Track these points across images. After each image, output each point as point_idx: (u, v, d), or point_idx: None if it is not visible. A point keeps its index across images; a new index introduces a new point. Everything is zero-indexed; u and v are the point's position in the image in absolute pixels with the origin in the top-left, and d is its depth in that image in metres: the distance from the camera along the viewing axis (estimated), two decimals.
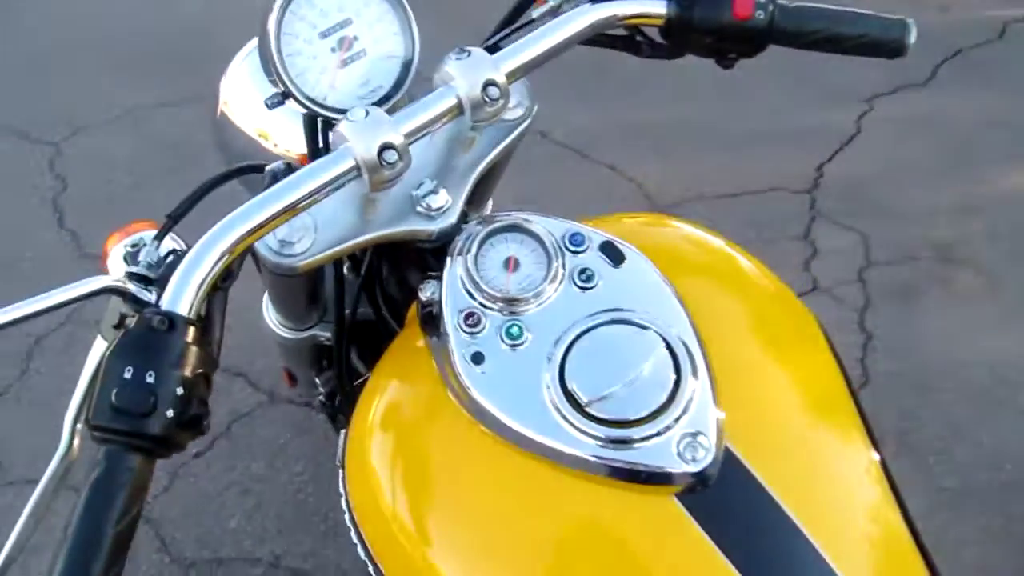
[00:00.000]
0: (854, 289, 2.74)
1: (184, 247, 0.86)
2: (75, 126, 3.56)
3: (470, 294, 0.89)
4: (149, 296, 0.78)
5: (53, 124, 3.56)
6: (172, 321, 0.72)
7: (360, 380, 1.23)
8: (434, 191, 0.97)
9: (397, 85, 0.95)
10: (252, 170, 1.00)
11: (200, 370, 0.72)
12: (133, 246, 0.88)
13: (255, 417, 2.41)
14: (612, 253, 0.91)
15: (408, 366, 0.99)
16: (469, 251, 0.91)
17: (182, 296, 0.75)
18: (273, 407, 2.45)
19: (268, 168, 0.96)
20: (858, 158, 3.24)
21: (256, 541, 2.14)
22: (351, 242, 0.95)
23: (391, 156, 0.82)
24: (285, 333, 1.43)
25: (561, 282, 0.89)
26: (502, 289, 0.89)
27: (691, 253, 1.06)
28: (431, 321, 0.94)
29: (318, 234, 0.94)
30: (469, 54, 0.89)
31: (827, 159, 3.22)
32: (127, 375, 0.68)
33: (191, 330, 0.73)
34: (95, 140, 3.50)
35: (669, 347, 0.84)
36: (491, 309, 0.88)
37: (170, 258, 0.83)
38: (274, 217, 0.80)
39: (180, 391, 0.69)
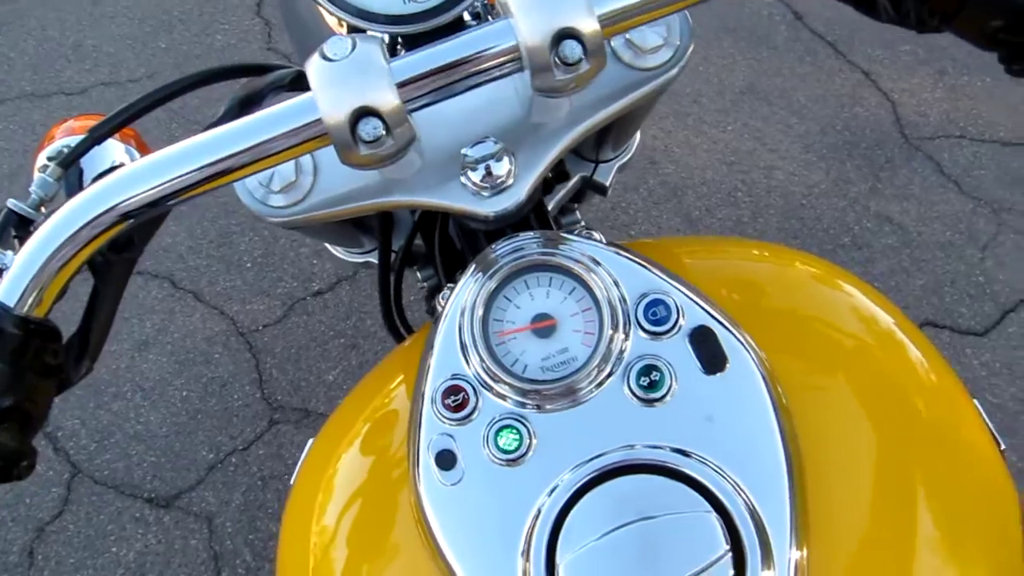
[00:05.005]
0: None
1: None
2: None
3: (465, 351, 0.61)
4: (2, 260, 0.55)
5: None
6: None
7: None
8: (495, 156, 0.67)
9: None
10: (242, 72, 0.72)
11: (14, 401, 0.50)
12: (50, 158, 0.66)
13: None
14: (710, 349, 0.59)
15: (395, 400, 0.74)
16: (491, 277, 0.63)
17: (21, 283, 0.52)
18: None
19: (266, 79, 0.69)
20: None
21: None
22: (359, 204, 0.69)
23: (371, 128, 0.53)
24: (338, 253, 1.20)
25: (611, 377, 0.59)
26: (517, 361, 0.60)
27: (833, 351, 0.70)
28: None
29: (317, 182, 0.69)
30: None
31: None
32: None
33: (16, 339, 0.51)
34: None
35: (737, 542, 0.53)
36: (491, 388, 0.60)
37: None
38: (195, 184, 0.54)
39: None
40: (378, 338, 2.13)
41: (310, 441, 0.80)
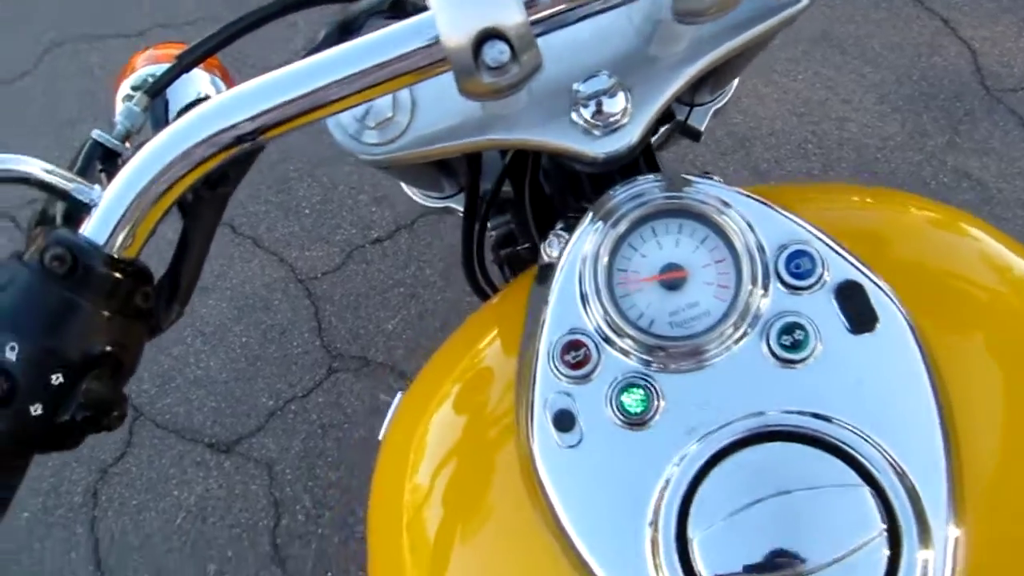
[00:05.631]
0: None
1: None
2: None
3: (586, 302, 0.56)
4: (89, 195, 0.52)
5: None
6: (76, 263, 0.47)
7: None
8: (609, 92, 0.61)
9: None
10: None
11: (109, 347, 0.47)
12: (134, 87, 0.62)
13: (445, 219, 2.21)
14: (858, 306, 0.54)
15: (489, 356, 0.70)
16: (615, 224, 0.57)
17: (111, 220, 0.49)
18: None
19: (362, 3, 0.64)
20: None
21: (407, 352, 2.02)
22: (459, 142, 0.63)
23: (496, 53, 0.48)
24: (418, 198, 1.15)
25: (746, 336, 0.54)
26: (643, 315, 0.56)
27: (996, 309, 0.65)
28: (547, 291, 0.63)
29: (414, 119, 0.64)
30: None
31: None
32: None
33: (108, 280, 0.48)
34: None
35: (892, 519, 0.49)
36: (613, 344, 0.55)
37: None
38: (293, 116, 0.50)
39: (59, 380, 0.45)
40: (437, 287, 2.10)
41: (398, 395, 0.76)
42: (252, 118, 0.50)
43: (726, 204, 0.57)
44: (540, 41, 0.51)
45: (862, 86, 2.43)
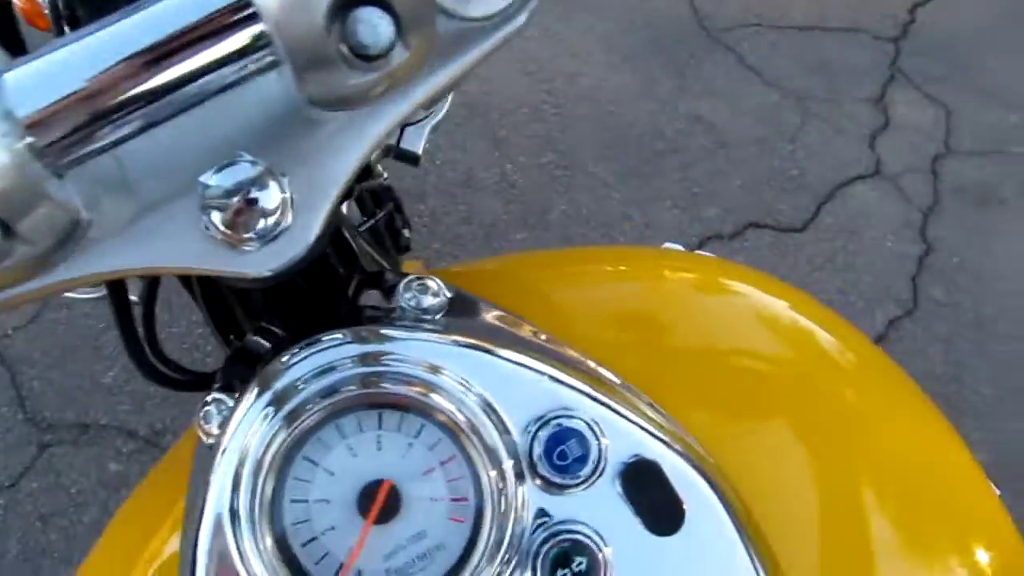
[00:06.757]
0: (922, 182, 2.19)
1: None
2: None
3: (239, 539, 0.37)
4: None
5: None
6: None
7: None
8: (258, 181, 0.37)
9: None
10: None
11: None
12: None
13: None
14: (654, 496, 0.38)
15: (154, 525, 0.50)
16: (287, 425, 0.38)
17: None
18: None
19: None
20: (964, 5, 2.57)
21: (135, 406, 1.72)
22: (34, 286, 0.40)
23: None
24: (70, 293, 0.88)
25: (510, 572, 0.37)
26: (340, 567, 0.37)
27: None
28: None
29: None
30: None
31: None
32: None
33: None
34: None
35: None
36: None
37: None
38: None
39: None
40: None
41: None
42: None
43: (437, 369, 0.39)
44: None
45: (589, 38, 2.36)
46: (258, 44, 0.31)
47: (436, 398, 0.38)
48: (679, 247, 0.65)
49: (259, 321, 0.51)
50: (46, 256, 0.29)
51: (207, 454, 0.41)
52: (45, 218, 0.28)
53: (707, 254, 0.65)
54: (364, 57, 0.30)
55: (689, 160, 2.16)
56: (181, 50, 0.30)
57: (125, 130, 0.31)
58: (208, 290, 0.60)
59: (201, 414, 0.42)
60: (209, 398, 0.43)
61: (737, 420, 0.48)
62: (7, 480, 1.64)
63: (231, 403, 0.41)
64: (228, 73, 0.31)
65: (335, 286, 0.51)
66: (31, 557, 1.57)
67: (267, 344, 0.48)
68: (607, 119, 2.20)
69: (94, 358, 1.76)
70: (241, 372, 0.45)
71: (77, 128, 0.30)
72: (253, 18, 0.30)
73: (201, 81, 0.32)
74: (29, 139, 0.28)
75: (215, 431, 0.41)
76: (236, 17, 0.30)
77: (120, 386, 1.73)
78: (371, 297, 0.51)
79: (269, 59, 0.31)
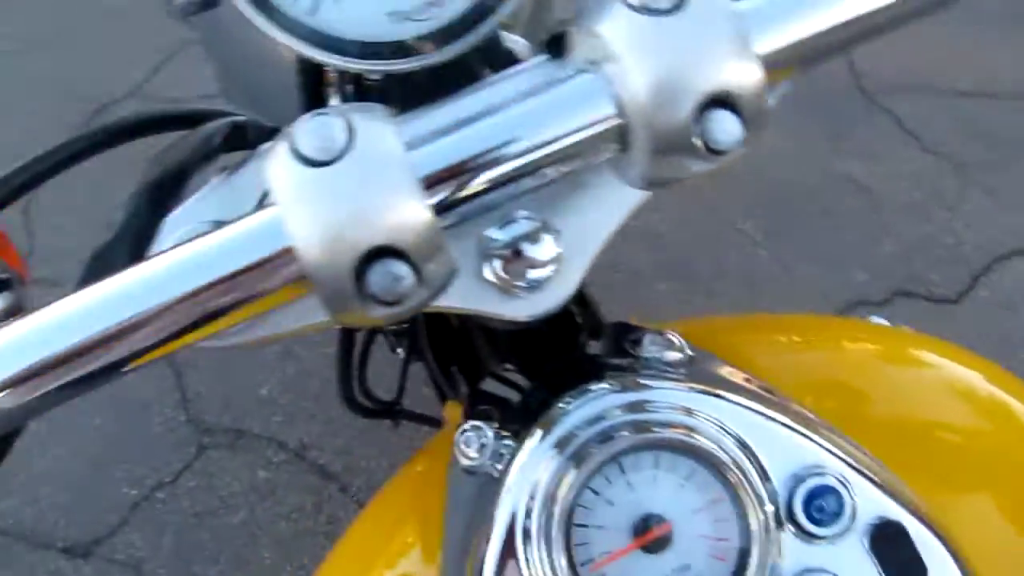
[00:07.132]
0: None
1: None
2: None
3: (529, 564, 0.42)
4: None
5: None
6: None
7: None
8: (530, 235, 0.45)
9: None
10: (174, 124, 0.49)
11: None
12: None
13: None
14: (900, 555, 0.41)
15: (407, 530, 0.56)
16: (577, 462, 0.43)
17: None
18: None
19: (194, 138, 0.45)
20: None
21: (286, 419, 1.82)
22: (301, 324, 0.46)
23: (389, 279, 0.32)
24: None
25: None
26: None
27: None
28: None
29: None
30: None
31: None
32: None
33: None
34: None
35: None
36: None
37: None
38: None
39: None
40: (314, 342, 1.90)
41: None
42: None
43: (720, 425, 0.43)
44: None
45: None
46: (608, 136, 0.35)
47: (707, 443, 0.42)
48: (884, 322, 0.68)
49: (498, 360, 0.58)
50: (430, 301, 0.34)
51: (467, 479, 0.48)
52: (440, 265, 0.33)
53: (910, 329, 0.67)
54: (714, 151, 0.34)
55: (841, 222, 2.13)
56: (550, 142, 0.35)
57: (492, 197, 0.36)
58: (435, 329, 0.67)
59: (461, 440, 0.48)
60: (467, 426, 0.48)
61: (949, 491, 0.50)
62: (168, 476, 1.76)
63: (490, 433, 0.48)
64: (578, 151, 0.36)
65: (571, 333, 0.57)
66: (183, 552, 1.68)
67: (504, 382, 0.55)
68: (758, 176, 2.20)
69: (254, 370, 1.87)
70: (487, 409, 0.52)
71: (469, 193, 0.35)
72: (615, 117, 0.35)
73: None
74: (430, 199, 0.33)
75: (474, 455, 0.47)
76: (599, 116, 0.35)
77: (275, 399, 1.84)
78: (595, 346, 0.56)
79: (613, 147, 0.36)
